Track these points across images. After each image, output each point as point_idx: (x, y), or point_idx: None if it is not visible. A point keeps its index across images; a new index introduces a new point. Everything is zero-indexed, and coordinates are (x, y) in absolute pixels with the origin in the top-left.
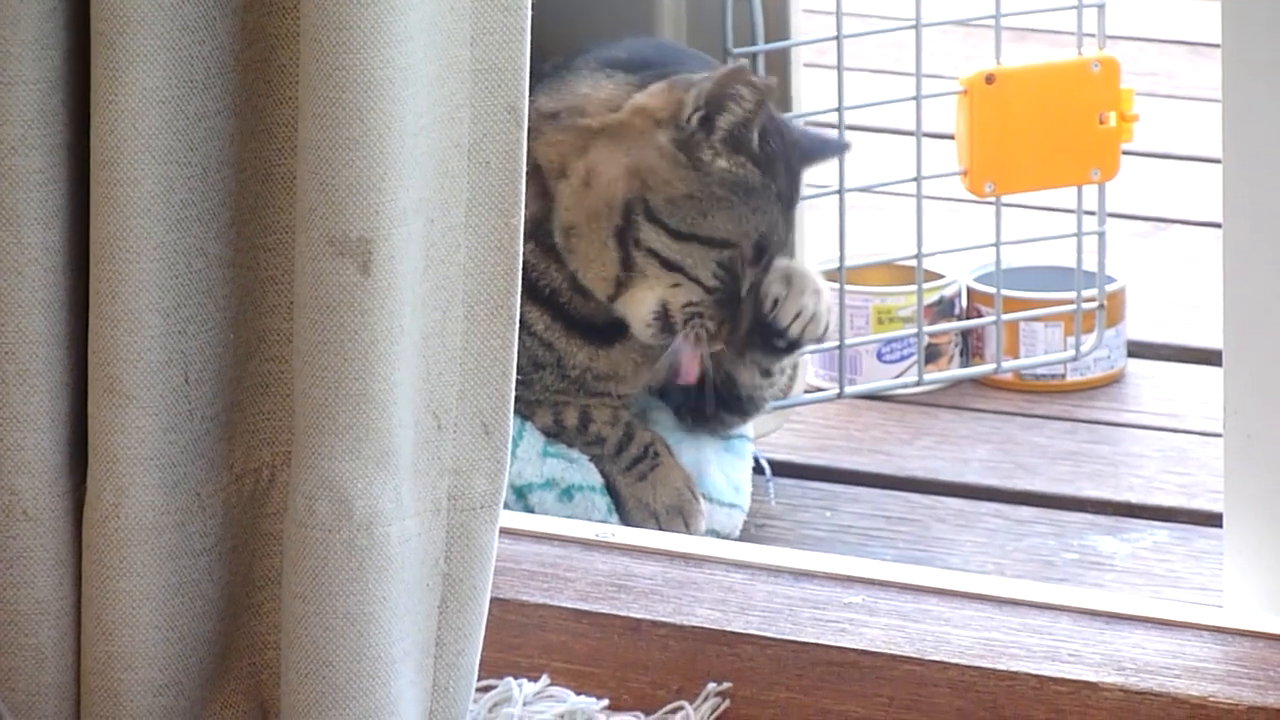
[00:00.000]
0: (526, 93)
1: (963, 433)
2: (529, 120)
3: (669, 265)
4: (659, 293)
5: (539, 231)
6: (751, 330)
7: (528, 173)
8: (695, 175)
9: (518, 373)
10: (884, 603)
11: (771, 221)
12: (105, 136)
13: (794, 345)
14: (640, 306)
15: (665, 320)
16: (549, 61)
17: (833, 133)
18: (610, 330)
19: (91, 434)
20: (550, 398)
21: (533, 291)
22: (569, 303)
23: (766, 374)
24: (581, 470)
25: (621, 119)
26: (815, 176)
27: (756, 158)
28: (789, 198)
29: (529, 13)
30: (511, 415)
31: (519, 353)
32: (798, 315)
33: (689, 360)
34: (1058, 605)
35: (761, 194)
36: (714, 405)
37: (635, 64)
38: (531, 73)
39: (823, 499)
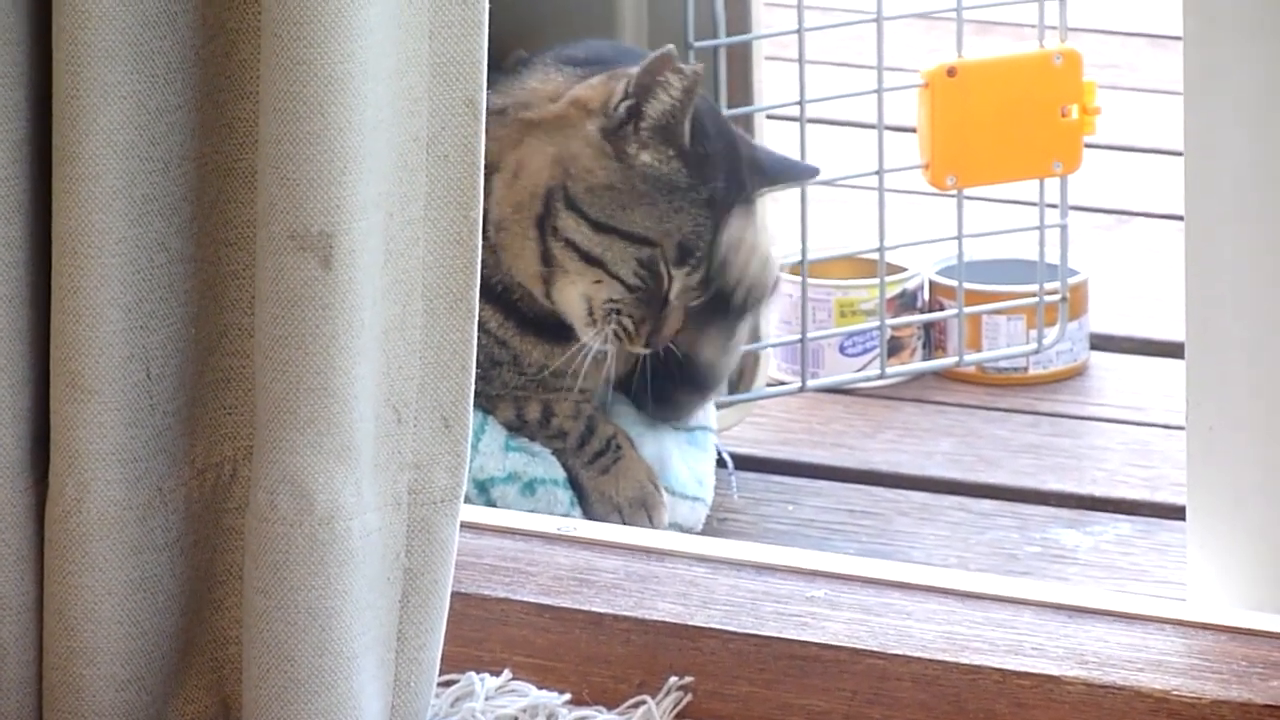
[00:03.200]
0: (484, 86)
1: (925, 426)
2: None
3: (589, 259)
4: (581, 288)
5: (485, 226)
6: (709, 302)
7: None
8: (618, 167)
9: (477, 370)
10: (846, 596)
11: (698, 225)
12: (66, 131)
13: (746, 304)
14: (573, 303)
15: (591, 316)
16: (512, 56)
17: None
18: (564, 327)
19: (53, 429)
20: (511, 393)
21: (485, 289)
22: (521, 300)
23: (726, 343)
24: (544, 464)
25: (558, 110)
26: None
27: (685, 153)
28: (724, 204)
29: (486, 6)
30: (471, 409)
31: (477, 351)
32: (747, 264)
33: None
34: (1021, 599)
35: (687, 194)
36: (673, 386)
37: (591, 61)
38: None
39: (785, 492)
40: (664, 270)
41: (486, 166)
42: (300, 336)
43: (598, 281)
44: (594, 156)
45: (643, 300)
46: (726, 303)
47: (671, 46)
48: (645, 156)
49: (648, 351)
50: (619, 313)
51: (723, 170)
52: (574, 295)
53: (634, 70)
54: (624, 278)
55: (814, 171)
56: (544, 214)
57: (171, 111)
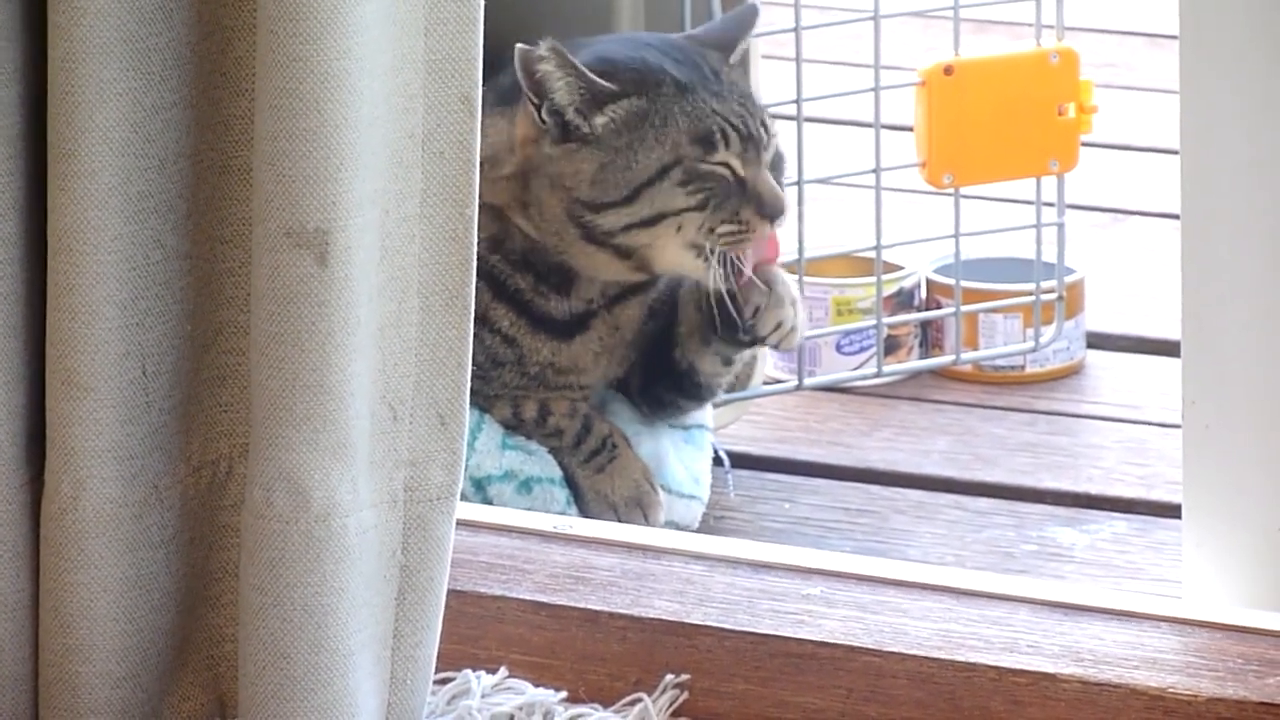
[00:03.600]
0: (480, 83)
1: (922, 424)
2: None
3: (649, 223)
4: (672, 245)
5: (501, 249)
6: (722, 322)
7: (492, 209)
8: (591, 149)
9: (477, 370)
10: (842, 594)
11: (690, 115)
12: (62, 129)
13: (760, 343)
14: (683, 262)
15: (704, 254)
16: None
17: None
18: (572, 325)
19: (49, 426)
20: (509, 392)
21: (498, 289)
22: (532, 302)
23: (727, 363)
24: (540, 462)
25: (520, 159)
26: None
27: (619, 92)
28: (700, 81)
29: (482, 3)
30: (467, 406)
31: (479, 350)
32: (777, 327)
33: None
34: (1016, 596)
35: (656, 106)
36: (671, 391)
37: (500, 88)
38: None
39: (781, 491)
40: (707, 168)
41: (505, 210)
42: (296, 333)
43: (679, 228)
44: (572, 160)
45: (720, 203)
46: (736, 331)
47: (523, 46)
48: (599, 119)
49: (780, 222)
50: (713, 230)
51: (663, 63)
52: (673, 256)
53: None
54: (686, 205)
55: (754, 9)
56: (584, 231)
57: (167, 108)
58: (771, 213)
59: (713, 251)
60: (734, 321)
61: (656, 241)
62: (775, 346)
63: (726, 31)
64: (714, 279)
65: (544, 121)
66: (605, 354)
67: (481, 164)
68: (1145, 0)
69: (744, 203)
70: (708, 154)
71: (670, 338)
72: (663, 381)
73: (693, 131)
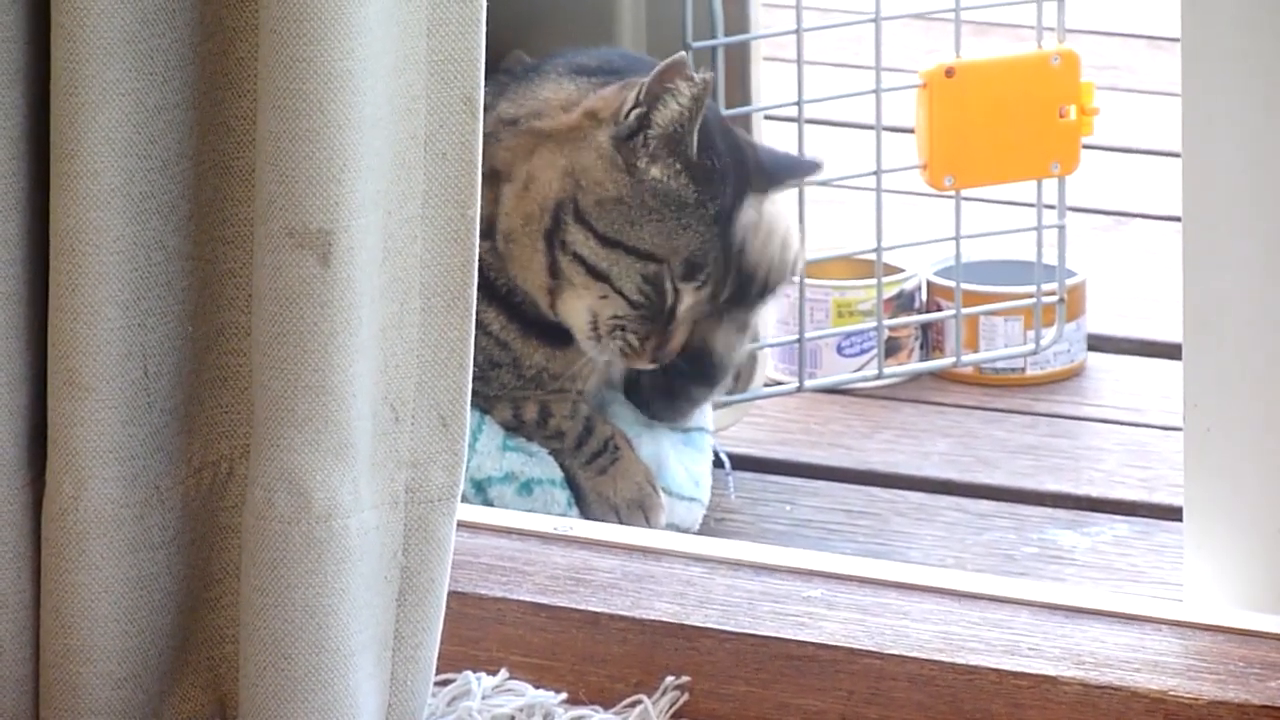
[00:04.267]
0: (482, 84)
1: (923, 426)
2: (490, 125)
3: (595, 274)
4: (587, 302)
5: (493, 232)
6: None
7: (486, 176)
8: (628, 180)
9: (476, 371)
10: (843, 596)
11: (705, 241)
12: (65, 129)
13: (768, 284)
14: (577, 316)
15: (596, 331)
16: (511, 56)
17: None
18: (566, 331)
19: (51, 427)
20: (509, 394)
21: (489, 290)
22: (524, 302)
23: (742, 329)
24: (541, 464)
25: (571, 121)
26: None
27: (692, 167)
28: (733, 208)
29: (484, 4)
30: (469, 407)
31: (476, 352)
32: (768, 239)
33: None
34: (1017, 599)
35: (695, 211)
36: (681, 380)
37: (603, 70)
38: (502, 73)
39: (782, 493)
40: (669, 286)
41: (498, 175)
42: (298, 334)
43: (603, 296)
44: (605, 169)
45: (647, 316)
46: (746, 288)
47: (684, 55)
48: (654, 171)
49: (653, 367)
50: (623, 329)
51: (729, 182)
52: (579, 308)
53: (645, 79)
54: (628, 294)
55: (816, 166)
56: (553, 227)
57: (170, 109)
58: (658, 359)
59: (599, 336)
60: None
61: (582, 291)
62: (781, 277)
63: (787, 170)
64: (592, 350)
65: (627, 118)
66: (605, 364)
67: (517, 118)
68: (1146, 3)
69: (655, 332)
70: (682, 279)
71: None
72: (673, 369)
73: (693, 254)
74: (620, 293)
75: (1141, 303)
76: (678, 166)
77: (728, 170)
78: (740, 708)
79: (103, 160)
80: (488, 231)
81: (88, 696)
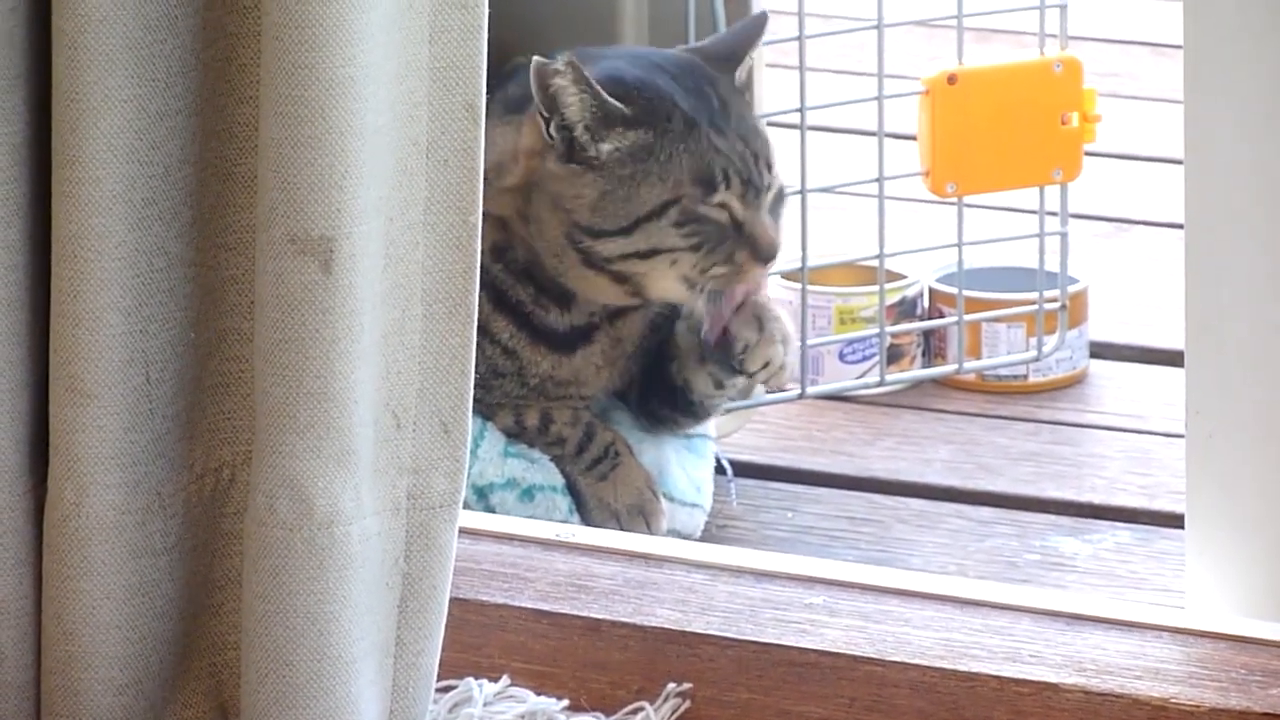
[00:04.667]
0: (484, 90)
1: (925, 433)
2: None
3: (645, 255)
4: (667, 279)
5: (504, 259)
6: (712, 352)
7: (499, 222)
8: (595, 174)
9: (478, 379)
10: (845, 603)
11: (695, 154)
12: (67, 135)
13: (701, 407)
14: (672, 292)
15: (695, 289)
16: (511, 64)
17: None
18: (572, 338)
19: (52, 433)
20: (511, 401)
21: (499, 301)
22: (533, 314)
23: (719, 385)
24: (543, 470)
25: (523, 170)
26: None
27: (626, 118)
28: (703, 119)
29: (486, 10)
30: (470, 414)
31: (479, 360)
32: (765, 365)
33: (713, 318)
34: (1019, 606)
35: (662, 142)
36: (668, 406)
37: (511, 99)
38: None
39: (784, 499)
40: (702, 209)
41: (505, 221)
42: (300, 341)
43: (672, 263)
44: (574, 182)
45: (714, 245)
46: (745, 375)
47: (537, 58)
48: (605, 147)
49: (771, 265)
50: (704, 270)
51: (673, 93)
52: (666, 286)
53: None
54: (680, 245)
55: (763, 17)
56: (583, 256)
57: (172, 116)
58: (765, 257)
59: (703, 288)
60: (724, 352)
61: (652, 272)
62: (764, 383)
63: (736, 43)
64: (705, 309)
65: (551, 137)
66: (607, 366)
67: (487, 175)
68: (1149, 9)
69: (739, 245)
70: (707, 196)
71: (667, 352)
72: (659, 396)
73: (695, 171)
74: (674, 249)
75: (1144, 310)
76: (617, 128)
77: (659, 90)
78: (742, 715)
79: (104, 166)
80: (498, 257)
81: (89, 703)
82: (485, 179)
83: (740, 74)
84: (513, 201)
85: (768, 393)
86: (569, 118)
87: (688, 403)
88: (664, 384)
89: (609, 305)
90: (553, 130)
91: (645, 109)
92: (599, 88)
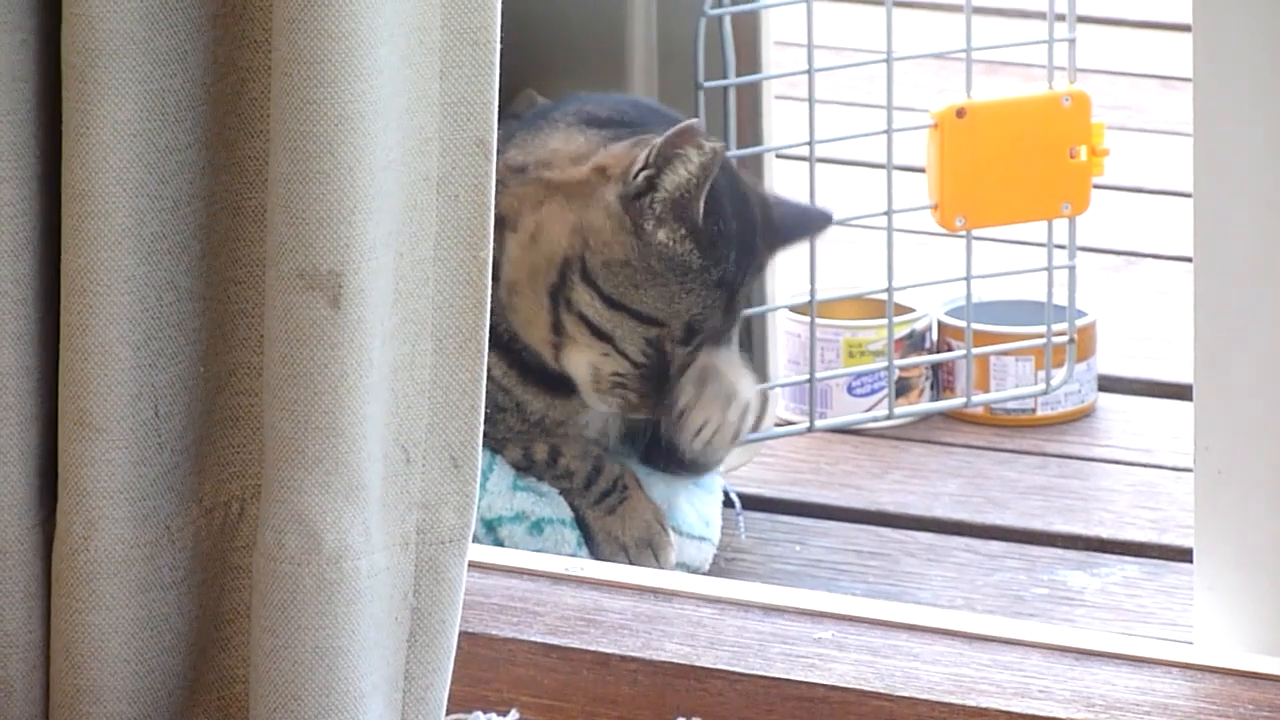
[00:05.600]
0: (495, 126)
1: (933, 467)
2: (498, 172)
3: (598, 333)
4: (590, 357)
5: (496, 287)
6: (657, 438)
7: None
8: (635, 242)
9: (483, 413)
10: (854, 638)
11: (706, 305)
12: (77, 170)
13: (697, 461)
14: (580, 370)
15: (598, 386)
16: (522, 96)
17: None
18: (568, 380)
19: (61, 467)
20: (517, 436)
21: (492, 337)
22: (525, 350)
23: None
24: (551, 504)
25: (581, 175)
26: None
27: (698, 233)
28: (733, 283)
29: (497, 47)
30: (480, 448)
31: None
32: (699, 430)
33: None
34: (1027, 641)
35: (699, 276)
36: (665, 460)
37: (614, 122)
38: (511, 117)
39: (793, 533)
40: (669, 348)
41: (502, 222)
42: (309, 375)
43: (605, 354)
44: (613, 230)
45: (648, 376)
46: (681, 450)
47: (698, 121)
48: (661, 235)
49: (655, 417)
50: (624, 387)
51: (736, 246)
52: (582, 363)
53: (657, 140)
54: (630, 355)
55: (827, 220)
56: (559, 284)
57: (181, 150)
58: (656, 413)
59: (600, 391)
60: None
61: (585, 348)
62: (706, 445)
63: (797, 228)
64: (593, 401)
65: (635, 179)
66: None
67: (525, 166)
68: (1158, 43)
69: (654, 389)
70: (680, 342)
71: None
72: (658, 450)
73: (691, 320)
74: (623, 353)
75: (1152, 343)
76: (683, 232)
77: (732, 236)
78: None
79: (114, 200)
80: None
81: None
82: (523, 169)
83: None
84: (529, 196)
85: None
86: (663, 183)
87: (679, 460)
88: (663, 438)
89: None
90: (642, 177)
91: (713, 241)
92: (704, 193)
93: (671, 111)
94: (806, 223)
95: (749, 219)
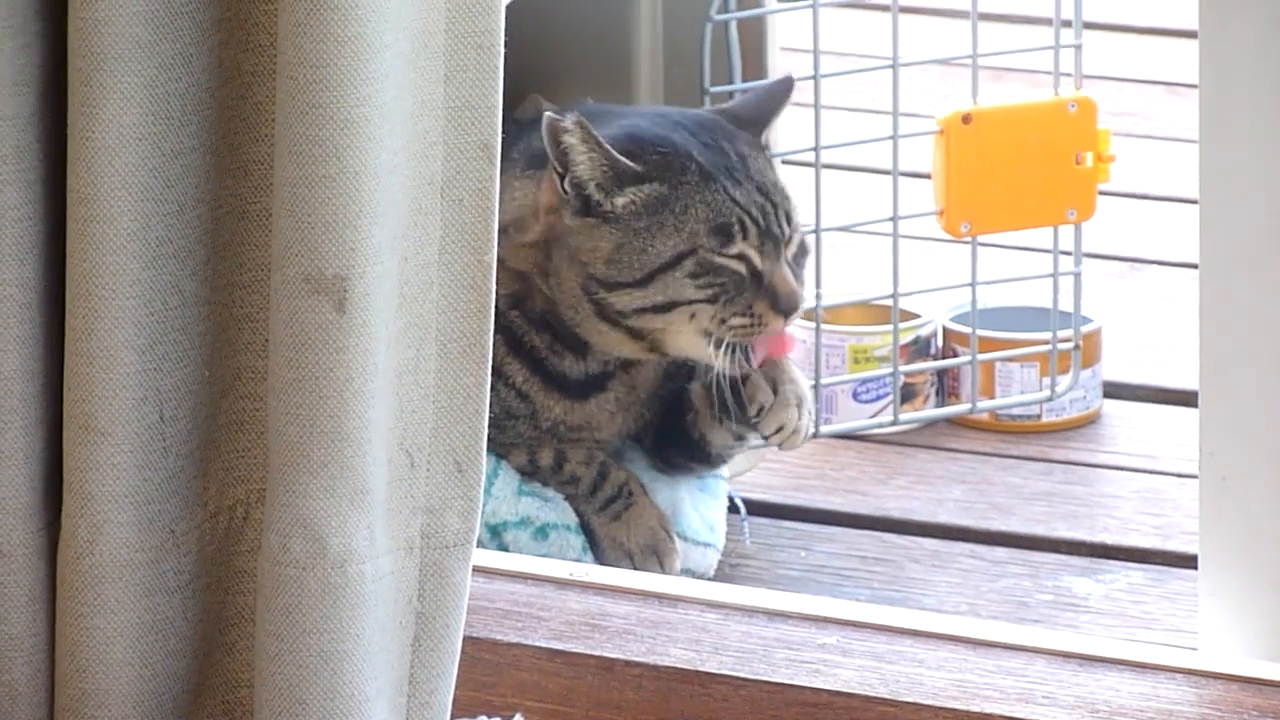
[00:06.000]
0: (499, 130)
1: (938, 473)
2: None
3: (662, 309)
4: (686, 333)
5: (521, 306)
6: (726, 409)
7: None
8: (611, 227)
9: (492, 420)
10: (858, 643)
11: (711, 205)
12: (82, 173)
13: (719, 456)
14: (695, 349)
15: (719, 346)
16: (528, 101)
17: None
18: (586, 385)
19: (66, 471)
20: (524, 442)
21: (513, 345)
22: (547, 360)
23: (739, 438)
24: (556, 509)
25: (543, 226)
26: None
27: (641, 174)
28: (723, 169)
29: (502, 51)
30: (485, 453)
31: (493, 402)
32: (779, 429)
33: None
34: (1032, 647)
35: (677, 194)
36: (684, 456)
37: (526, 154)
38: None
39: (798, 538)
40: (719, 260)
41: (526, 275)
42: (314, 380)
43: (691, 316)
44: (590, 236)
45: (733, 296)
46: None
47: (548, 114)
48: (620, 201)
49: (793, 318)
50: (726, 322)
51: (690, 147)
52: (687, 342)
53: (539, 148)
54: (698, 297)
55: (788, 84)
56: (598, 308)
57: (187, 154)
58: (786, 309)
59: (722, 343)
60: (739, 411)
61: (670, 326)
62: (779, 447)
63: (761, 106)
64: (724, 365)
65: (566, 192)
66: (620, 413)
67: (506, 228)
68: (1163, 49)
69: (758, 297)
70: (724, 246)
71: (684, 403)
72: (675, 445)
73: (711, 221)
74: (692, 301)
75: (1157, 350)
76: (630, 184)
77: (674, 144)
78: None
79: (120, 204)
80: (514, 305)
81: None
82: (504, 232)
83: (766, 135)
84: (531, 256)
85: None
86: (580, 175)
87: (705, 454)
88: (681, 434)
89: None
90: (567, 185)
91: (659, 164)
92: (608, 146)
93: (611, 108)
94: (774, 97)
95: (686, 122)
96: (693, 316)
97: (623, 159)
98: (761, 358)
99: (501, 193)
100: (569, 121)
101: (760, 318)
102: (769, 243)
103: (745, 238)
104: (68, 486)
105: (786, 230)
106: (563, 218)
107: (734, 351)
